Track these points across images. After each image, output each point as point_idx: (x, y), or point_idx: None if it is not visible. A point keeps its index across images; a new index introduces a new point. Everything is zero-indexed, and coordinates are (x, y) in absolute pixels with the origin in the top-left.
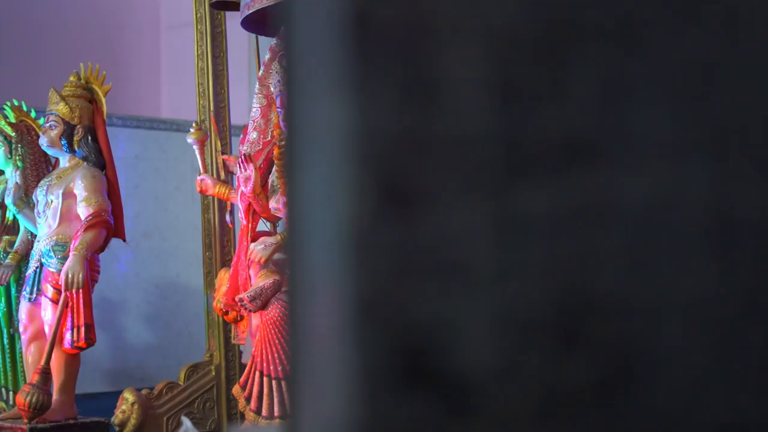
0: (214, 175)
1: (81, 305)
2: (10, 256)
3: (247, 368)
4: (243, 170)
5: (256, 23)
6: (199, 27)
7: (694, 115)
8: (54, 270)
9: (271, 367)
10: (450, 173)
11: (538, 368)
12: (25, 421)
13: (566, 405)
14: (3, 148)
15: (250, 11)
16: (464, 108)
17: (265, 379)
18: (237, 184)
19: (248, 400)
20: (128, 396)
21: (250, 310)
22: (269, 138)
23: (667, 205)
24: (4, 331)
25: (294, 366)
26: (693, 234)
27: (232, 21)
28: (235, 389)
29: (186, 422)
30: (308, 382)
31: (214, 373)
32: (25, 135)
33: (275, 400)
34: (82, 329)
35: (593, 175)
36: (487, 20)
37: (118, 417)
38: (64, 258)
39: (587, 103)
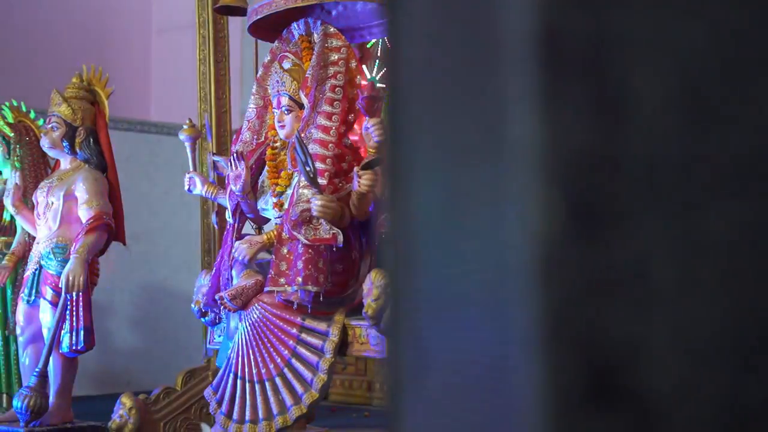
0: (205, 175)
1: (80, 308)
2: (6, 258)
3: (221, 370)
4: (234, 168)
5: (260, 28)
6: (201, 31)
7: None
8: (54, 272)
9: (246, 370)
10: (637, 191)
11: (721, 387)
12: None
13: (749, 424)
14: (1, 149)
15: (258, 17)
16: (651, 126)
17: (239, 381)
18: (226, 182)
19: (219, 402)
20: (126, 401)
21: (230, 309)
22: (263, 139)
23: None
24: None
25: (410, 378)
26: None
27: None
28: (206, 392)
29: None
30: (468, 396)
31: (211, 379)
32: (24, 136)
33: (248, 403)
34: (81, 333)
35: None
36: (676, 37)
37: (115, 422)
38: (65, 260)
39: None
